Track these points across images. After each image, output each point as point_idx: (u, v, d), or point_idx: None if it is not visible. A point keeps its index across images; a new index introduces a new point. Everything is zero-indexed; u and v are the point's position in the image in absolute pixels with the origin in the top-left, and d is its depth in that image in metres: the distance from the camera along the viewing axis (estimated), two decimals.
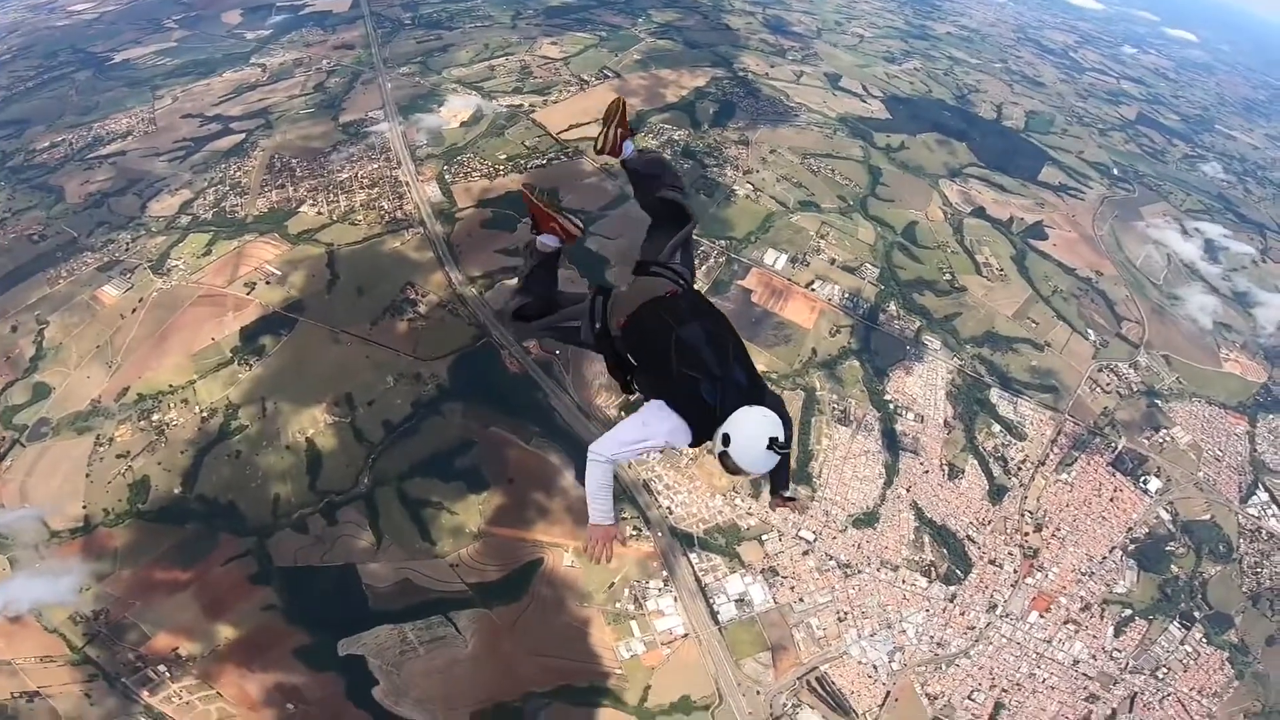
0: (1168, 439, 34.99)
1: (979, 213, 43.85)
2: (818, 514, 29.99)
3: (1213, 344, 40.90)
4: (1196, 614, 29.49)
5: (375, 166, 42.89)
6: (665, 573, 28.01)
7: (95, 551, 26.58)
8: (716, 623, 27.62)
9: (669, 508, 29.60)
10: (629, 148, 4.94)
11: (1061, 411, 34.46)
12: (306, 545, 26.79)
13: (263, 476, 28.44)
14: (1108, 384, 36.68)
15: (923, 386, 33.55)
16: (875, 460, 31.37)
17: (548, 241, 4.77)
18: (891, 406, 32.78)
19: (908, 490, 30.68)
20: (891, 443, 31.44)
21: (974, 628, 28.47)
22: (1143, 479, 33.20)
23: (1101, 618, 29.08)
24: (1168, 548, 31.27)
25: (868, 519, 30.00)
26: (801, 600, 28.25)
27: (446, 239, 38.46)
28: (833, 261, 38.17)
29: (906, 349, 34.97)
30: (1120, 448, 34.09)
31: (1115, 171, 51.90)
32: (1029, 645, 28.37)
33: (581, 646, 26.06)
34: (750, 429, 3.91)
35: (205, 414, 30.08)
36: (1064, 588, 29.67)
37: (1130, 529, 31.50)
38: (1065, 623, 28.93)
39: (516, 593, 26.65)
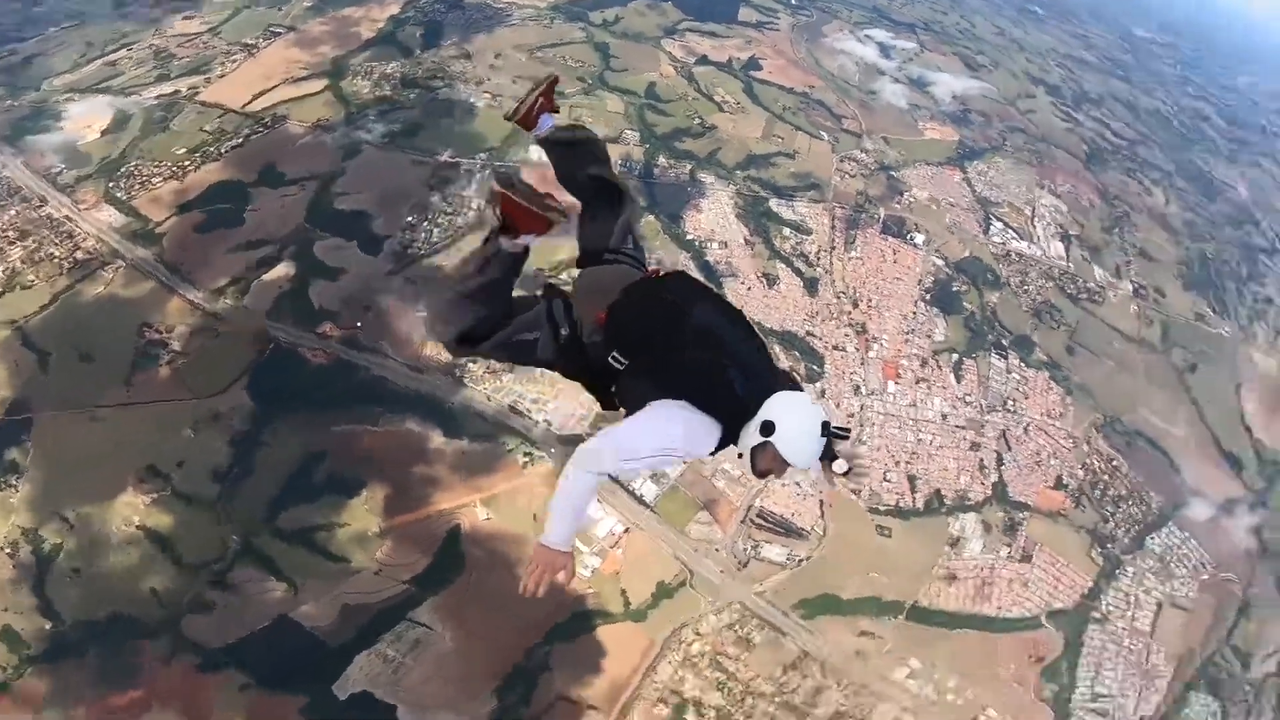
0: (912, 199, 41.91)
1: (703, 60, 46.73)
2: None
3: (911, 120, 49.21)
4: (1004, 341, 36.36)
5: (13, 213, 32.97)
6: None
7: (29, 704, 22.21)
8: (646, 506, 28.17)
9: (546, 420, 28.78)
10: (547, 122, 4.01)
11: (829, 202, 39.33)
12: (222, 619, 23.69)
13: (122, 578, 24.15)
14: (851, 170, 42.53)
15: (714, 217, 36.12)
16: None
17: (519, 243, 3.57)
18: (696, 244, 34.91)
19: (741, 309, 33.14)
20: (710, 274, 33.46)
21: (853, 414, 32.22)
22: (909, 235, 39.59)
23: (939, 368, 34.59)
24: (953, 289, 37.99)
25: None
26: None
27: (160, 260, 31.46)
28: None
29: (688, 190, 37.15)
30: (882, 216, 40.10)
31: (794, 1, 58.02)
32: (902, 415, 32.82)
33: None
34: (801, 413, 3.17)
35: (8, 550, 24.43)
36: (899, 350, 34.70)
37: (920, 280, 37.65)
38: (917, 382, 33.89)
39: (455, 567, 25.54)
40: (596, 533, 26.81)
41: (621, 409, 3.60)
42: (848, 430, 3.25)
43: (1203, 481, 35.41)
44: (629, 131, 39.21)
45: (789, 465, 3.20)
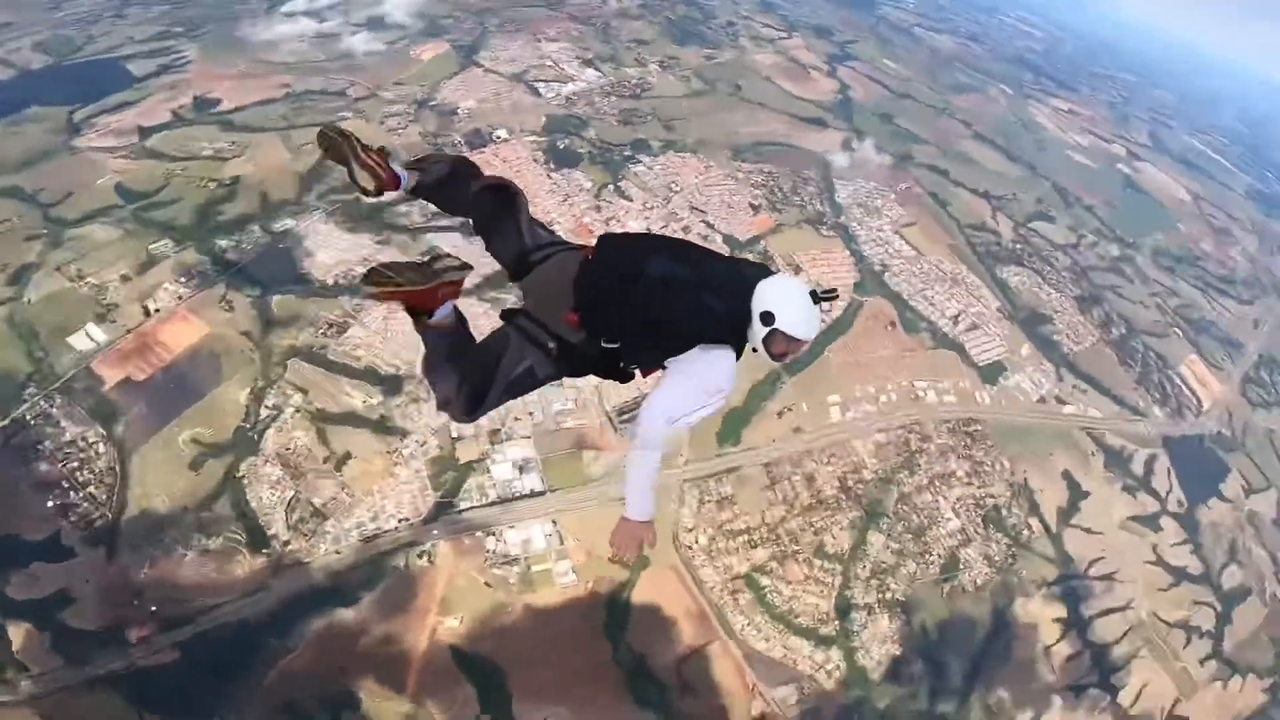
0: (466, 110, 40.90)
1: (149, 132, 36.99)
2: None
3: (401, 54, 46.89)
4: (629, 153, 38.41)
5: None
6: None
7: None
8: (541, 493, 26.66)
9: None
10: (400, 172, 3.65)
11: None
12: None
13: None
14: (399, 123, 39.54)
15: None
16: None
17: (445, 314, 3.31)
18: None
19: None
20: None
21: None
22: (494, 136, 39.13)
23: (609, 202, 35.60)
24: (562, 148, 38.86)
25: None
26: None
27: None
28: None
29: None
30: (461, 140, 38.58)
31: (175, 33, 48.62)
32: None
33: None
34: (789, 295, 3.52)
35: None
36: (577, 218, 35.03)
37: (537, 161, 37.75)
38: (608, 221, 34.67)
39: (497, 675, 23.27)
40: (537, 548, 25.37)
41: (641, 374, 3.77)
42: (834, 291, 3.68)
43: None
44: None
45: (801, 341, 3.52)
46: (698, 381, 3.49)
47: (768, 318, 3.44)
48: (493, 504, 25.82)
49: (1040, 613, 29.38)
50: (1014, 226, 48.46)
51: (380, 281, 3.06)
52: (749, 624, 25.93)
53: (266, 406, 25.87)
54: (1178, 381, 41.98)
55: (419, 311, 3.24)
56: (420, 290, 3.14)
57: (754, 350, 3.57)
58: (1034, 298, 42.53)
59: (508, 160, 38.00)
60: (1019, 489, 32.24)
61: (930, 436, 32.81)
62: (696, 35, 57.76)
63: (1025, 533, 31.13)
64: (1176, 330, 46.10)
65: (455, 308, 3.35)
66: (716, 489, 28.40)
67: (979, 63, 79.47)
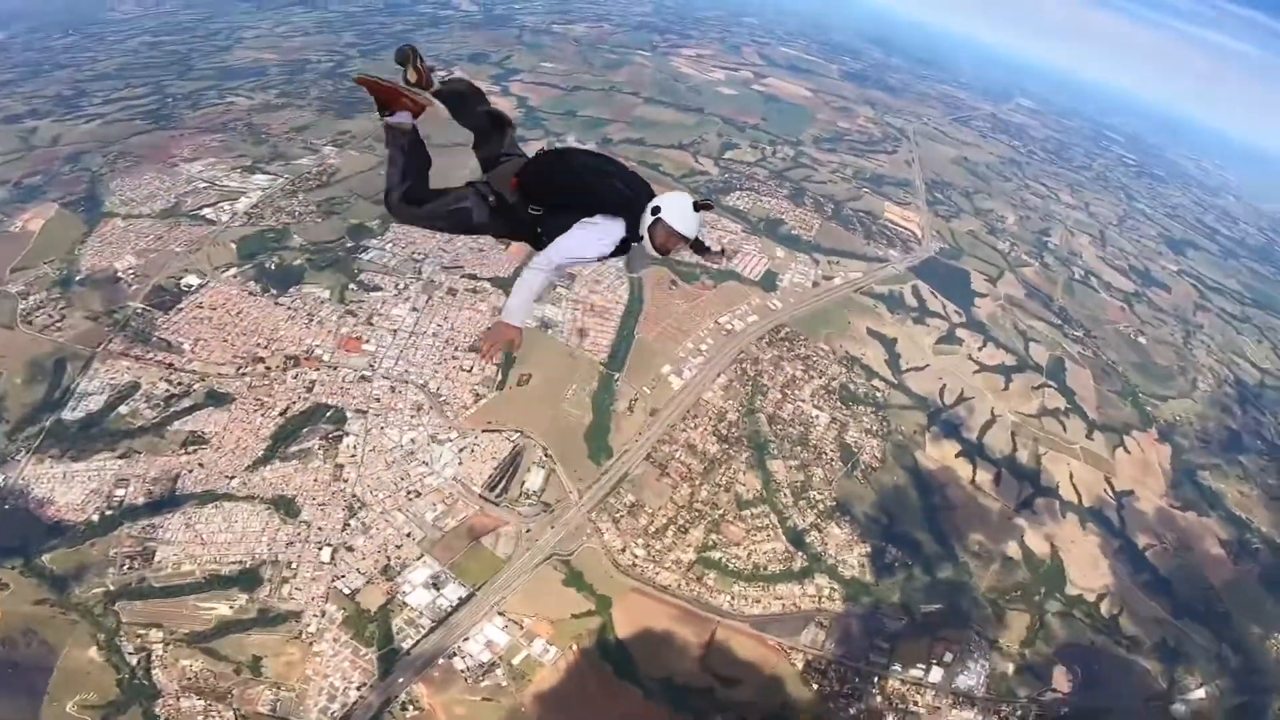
0: None
1: None
2: None
3: None
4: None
5: None
6: None
7: None
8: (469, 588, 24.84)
9: None
10: (433, 81, 5.07)
11: None
12: None
13: None
14: None
15: None
16: None
17: (403, 119, 4.85)
18: None
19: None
20: None
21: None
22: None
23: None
24: (264, 261, 33.15)
25: None
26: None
27: None
28: None
29: None
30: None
31: None
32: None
33: None
34: (676, 198, 4.66)
35: None
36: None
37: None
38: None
39: None
40: (503, 644, 23.64)
41: (547, 239, 4.85)
42: (711, 201, 6.82)
43: None
44: None
45: (681, 236, 4.63)
46: (592, 233, 4.66)
47: (656, 209, 4.59)
48: (433, 629, 23.50)
49: (941, 454, 34.04)
50: (715, 162, 55.29)
51: (365, 77, 4.74)
52: (731, 597, 26.15)
53: (128, 654, 22.14)
54: (889, 226, 52.32)
55: (382, 106, 4.80)
56: (387, 87, 4.71)
57: (640, 239, 4.68)
58: (761, 210, 49.00)
59: (217, 307, 31.57)
60: (848, 361, 37.08)
61: (758, 357, 35.97)
62: (355, 103, 54.04)
63: (879, 395, 35.90)
64: (865, 190, 57.33)
65: (415, 129, 4.83)
66: (621, 502, 28.02)
67: (615, 38, 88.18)
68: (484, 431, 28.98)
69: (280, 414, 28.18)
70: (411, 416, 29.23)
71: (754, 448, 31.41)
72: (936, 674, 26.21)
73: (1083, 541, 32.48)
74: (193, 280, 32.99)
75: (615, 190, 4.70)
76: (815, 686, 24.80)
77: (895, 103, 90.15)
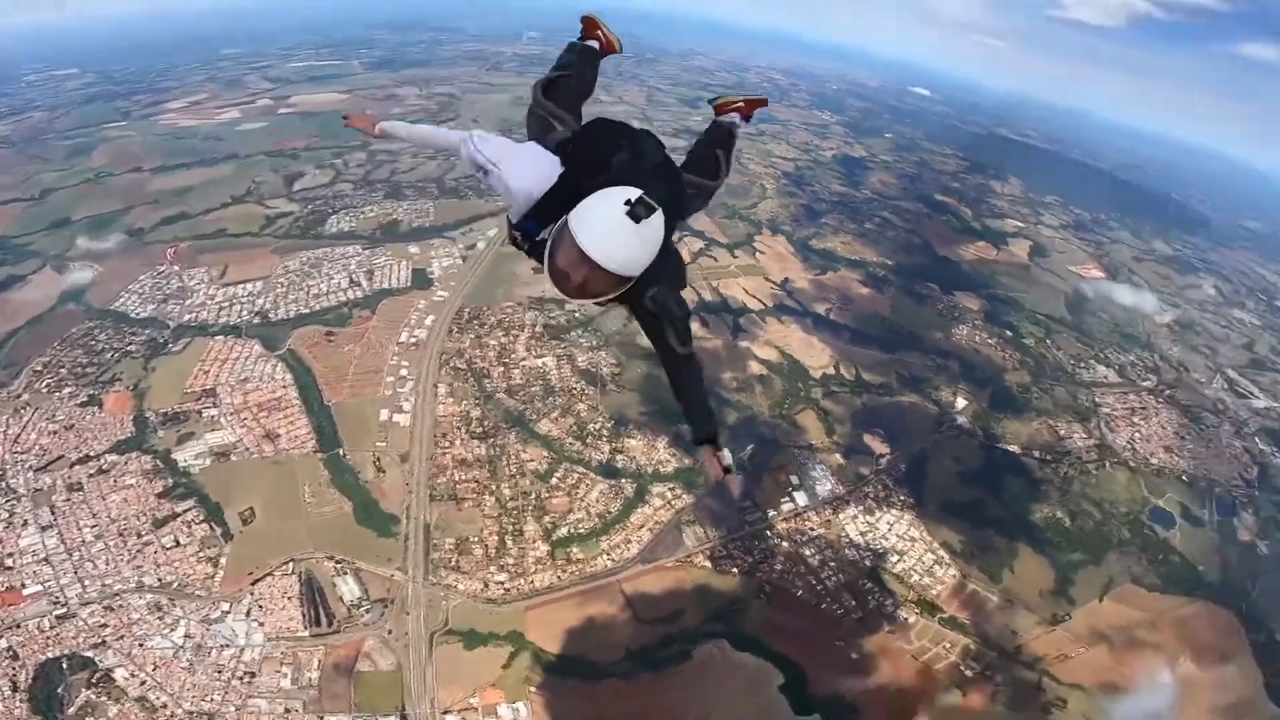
0: None
1: None
2: None
3: None
4: None
5: None
6: None
7: None
8: None
9: None
10: (731, 117, 5.10)
11: None
12: None
13: None
14: None
15: None
16: None
17: (591, 44, 5.22)
18: None
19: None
20: None
21: None
22: None
23: None
24: None
25: None
26: None
27: None
28: None
29: None
30: None
31: None
32: None
33: None
34: (615, 193, 3.02)
35: None
36: None
37: None
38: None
39: None
40: None
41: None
42: (655, 206, 2.97)
43: None
44: None
45: (582, 254, 2.92)
46: (518, 146, 3.77)
47: (577, 206, 3.11)
48: None
49: None
50: (288, 199, 48.22)
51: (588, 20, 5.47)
52: (605, 554, 26.04)
53: None
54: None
55: (585, 29, 5.42)
56: (591, 22, 5.42)
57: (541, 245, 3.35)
58: (369, 221, 45.25)
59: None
60: (536, 303, 37.44)
61: (460, 349, 34.08)
62: None
63: (576, 314, 36.86)
64: (452, 158, 56.66)
65: (593, 52, 5.24)
66: (445, 550, 25.55)
67: (60, 123, 67.78)
68: (254, 583, 23.82)
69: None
70: (160, 618, 22.77)
71: (515, 424, 30.21)
72: (801, 497, 29.95)
73: (791, 333, 40.09)
74: None
75: (606, 150, 3.51)
76: (733, 571, 26.39)
77: (436, 74, 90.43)
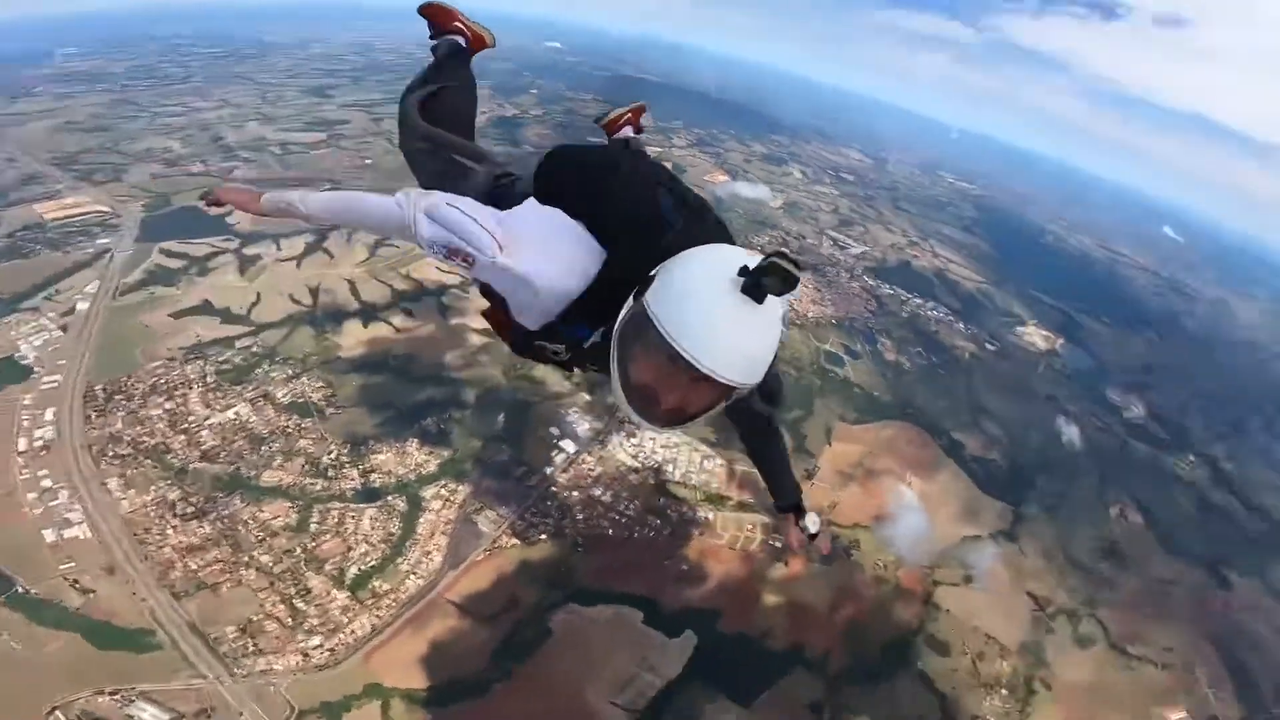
0: None
1: None
2: None
3: None
4: None
5: None
6: None
7: None
8: None
9: None
10: (626, 131, 5.00)
11: None
12: None
13: None
14: None
15: None
16: None
17: (449, 40, 4.07)
18: None
19: None
20: None
21: None
22: None
23: None
24: None
25: None
26: None
27: None
28: None
29: None
30: None
31: None
32: None
33: None
34: (710, 254, 2.01)
35: None
36: None
37: None
38: None
39: None
40: None
41: None
42: (788, 271, 1.96)
43: None
44: None
45: (687, 364, 1.86)
46: (525, 222, 2.49)
47: (649, 281, 2.04)
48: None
49: (355, 335, 33.33)
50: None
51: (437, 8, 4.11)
52: (411, 577, 24.07)
53: None
54: (67, 222, 41.11)
55: (438, 24, 4.11)
56: (443, 12, 4.15)
57: (603, 339, 2.29)
58: None
59: None
60: (193, 351, 31.43)
61: (107, 433, 26.90)
62: None
63: (257, 349, 32.26)
64: None
65: (465, 52, 4.02)
66: (229, 641, 21.22)
67: None
68: None
69: None
70: None
71: (233, 488, 25.60)
72: (569, 445, 30.20)
73: None
74: None
75: (648, 202, 2.38)
76: (542, 538, 25.90)
77: None
